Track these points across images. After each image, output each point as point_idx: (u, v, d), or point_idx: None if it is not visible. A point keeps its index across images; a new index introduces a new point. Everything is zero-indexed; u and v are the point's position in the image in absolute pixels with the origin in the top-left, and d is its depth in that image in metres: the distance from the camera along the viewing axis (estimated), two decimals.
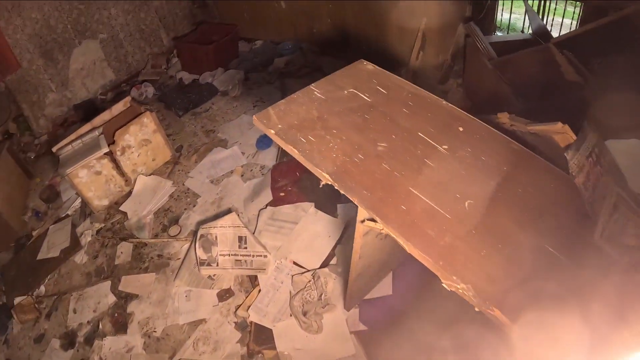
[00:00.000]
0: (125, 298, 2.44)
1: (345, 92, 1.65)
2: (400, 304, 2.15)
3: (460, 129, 1.50)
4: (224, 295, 2.32)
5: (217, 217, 2.65)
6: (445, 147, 1.43)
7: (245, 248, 2.35)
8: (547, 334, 1.00)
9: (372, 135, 1.48)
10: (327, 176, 1.34)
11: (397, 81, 1.73)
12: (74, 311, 2.49)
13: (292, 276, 2.27)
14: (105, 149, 2.79)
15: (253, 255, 2.34)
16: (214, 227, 2.39)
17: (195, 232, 2.50)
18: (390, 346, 1.99)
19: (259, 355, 2.14)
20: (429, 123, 1.52)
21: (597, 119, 1.73)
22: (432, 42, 3.29)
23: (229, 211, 2.58)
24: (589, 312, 1.01)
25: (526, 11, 3.08)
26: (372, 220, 1.29)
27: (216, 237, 2.37)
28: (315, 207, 2.53)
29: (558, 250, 1.16)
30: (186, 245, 2.55)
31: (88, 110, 3.95)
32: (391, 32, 3.43)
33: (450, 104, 1.60)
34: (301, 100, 1.62)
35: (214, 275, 2.37)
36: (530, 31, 3.04)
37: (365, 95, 1.64)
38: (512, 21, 3.75)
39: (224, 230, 2.38)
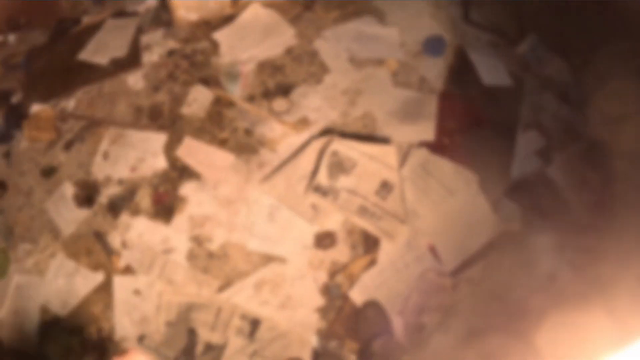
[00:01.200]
0: (180, 171, 1.62)
1: None
2: None
3: None
4: (324, 239, 1.50)
5: (345, 117, 1.73)
6: None
7: (384, 199, 1.47)
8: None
9: None
10: None
11: None
12: (105, 155, 1.70)
13: (426, 271, 1.43)
14: None
15: (387, 212, 1.47)
16: (357, 150, 1.49)
17: (323, 137, 1.61)
18: None
19: (338, 342, 1.39)
20: None
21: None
22: None
23: (383, 140, 1.65)
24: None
25: None
26: None
27: (354, 164, 1.48)
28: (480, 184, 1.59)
29: None
30: (293, 139, 1.66)
31: None
32: None
33: None
34: None
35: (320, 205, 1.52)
36: None
37: None
38: None
39: (368, 162, 1.49)
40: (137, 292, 1.47)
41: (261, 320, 1.40)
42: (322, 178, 1.52)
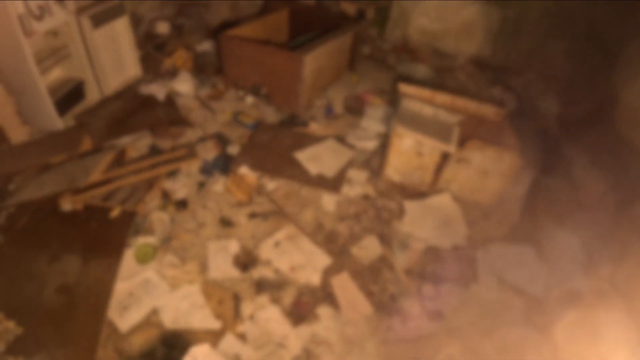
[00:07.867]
0: (327, 295, 2.11)
1: None
2: None
3: None
4: None
5: (473, 326, 2.11)
6: None
7: None
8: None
9: None
10: None
11: None
12: (276, 244, 2.28)
13: None
14: (451, 148, 2.43)
15: None
16: None
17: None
18: None
19: None
20: None
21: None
22: None
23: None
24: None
25: None
26: None
27: None
28: None
29: None
30: (424, 324, 2.08)
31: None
32: None
33: None
34: None
35: None
36: None
37: None
38: None
39: None
40: (237, 357, 1.89)
41: None
42: None
